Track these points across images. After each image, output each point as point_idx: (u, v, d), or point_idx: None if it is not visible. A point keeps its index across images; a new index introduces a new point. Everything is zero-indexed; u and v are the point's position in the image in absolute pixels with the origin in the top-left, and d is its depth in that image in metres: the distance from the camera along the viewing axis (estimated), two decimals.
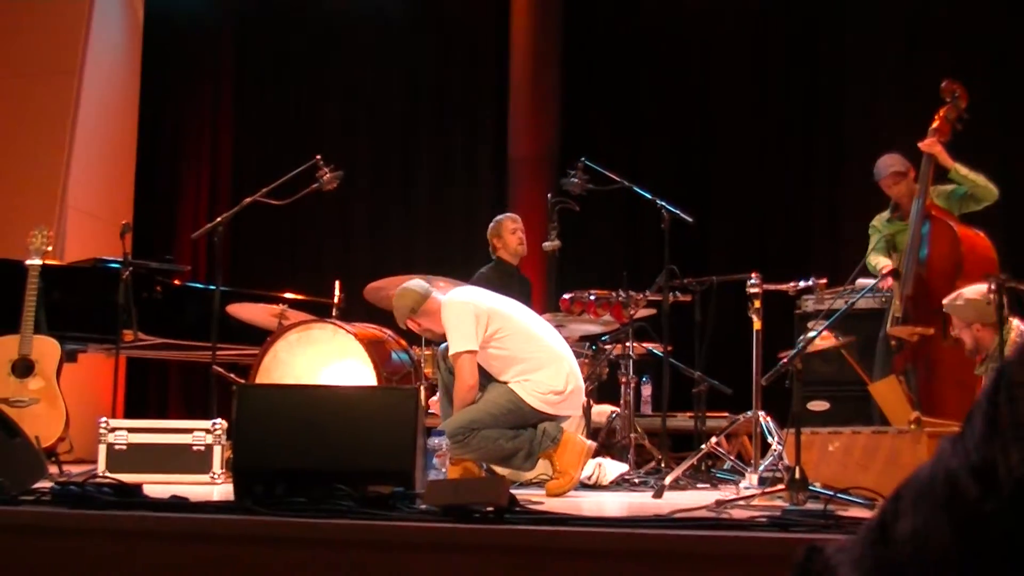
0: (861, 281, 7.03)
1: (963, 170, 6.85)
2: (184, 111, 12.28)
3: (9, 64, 11.04)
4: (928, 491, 1.10)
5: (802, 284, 6.68)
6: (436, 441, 5.92)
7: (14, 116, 10.99)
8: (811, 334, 5.82)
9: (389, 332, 7.29)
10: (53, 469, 6.42)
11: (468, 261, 8.47)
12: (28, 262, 7.21)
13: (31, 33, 11.10)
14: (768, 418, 6.45)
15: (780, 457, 5.97)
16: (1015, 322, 5.72)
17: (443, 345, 6.10)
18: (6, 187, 10.78)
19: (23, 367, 6.97)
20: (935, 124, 6.85)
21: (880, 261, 7.01)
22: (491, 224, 8.06)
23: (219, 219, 7.53)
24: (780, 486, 4.79)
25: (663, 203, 6.97)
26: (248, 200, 7.53)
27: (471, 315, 5.89)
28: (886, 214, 7.25)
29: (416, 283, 6.30)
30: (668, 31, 11.13)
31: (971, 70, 8.52)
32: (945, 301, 6.01)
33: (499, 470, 5.92)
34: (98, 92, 11.31)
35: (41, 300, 7.16)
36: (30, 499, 4.12)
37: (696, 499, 4.99)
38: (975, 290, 5.80)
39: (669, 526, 3.66)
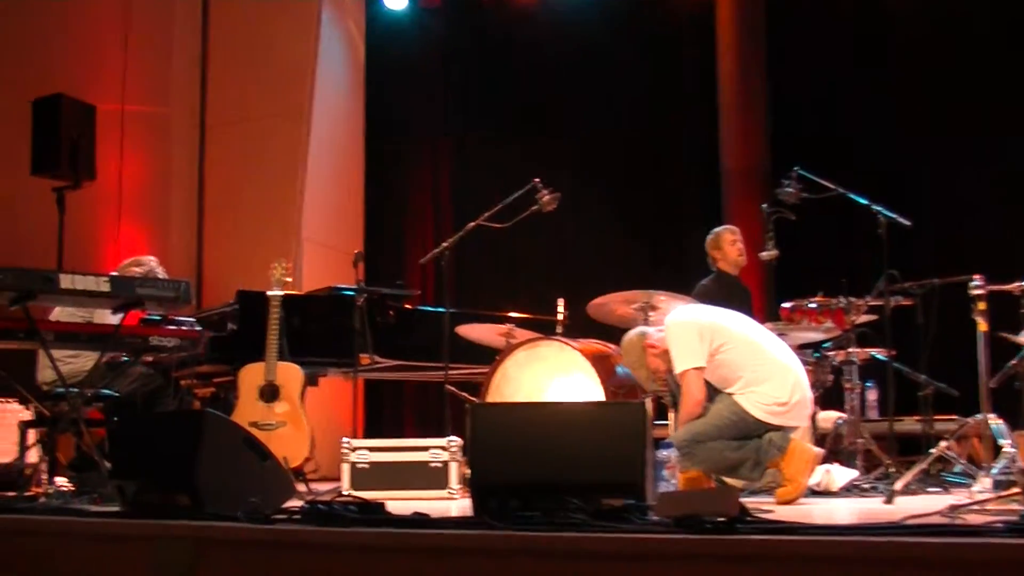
0: None
1: None
2: (407, 141, 12.54)
3: (243, 109, 11.46)
4: None
5: None
6: (665, 453, 5.90)
7: (251, 158, 11.41)
8: None
9: (613, 347, 7.28)
10: (301, 488, 6.62)
11: (685, 274, 8.42)
12: (270, 293, 7.47)
13: (261, 79, 11.51)
14: (999, 420, 6.23)
15: (1013, 460, 5.75)
16: None
17: None
18: (248, 224, 11.19)
19: (269, 392, 7.22)
20: None
21: None
22: (709, 237, 8.05)
23: (445, 244, 7.66)
24: (1015, 489, 4.62)
25: (879, 208, 6.82)
26: (472, 225, 7.65)
27: (695, 332, 5.86)
28: None
29: (629, 335, 6.29)
30: (873, 32, 10.88)
31: None
32: None
33: (728, 480, 5.86)
34: (326, 131, 11.64)
35: (283, 328, 7.40)
36: (282, 518, 4.25)
37: (928, 504, 4.86)
38: None
39: (902, 533, 3.56)
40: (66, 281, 6.05)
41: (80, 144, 8.86)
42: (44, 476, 6.67)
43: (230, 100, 11.61)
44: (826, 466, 6.15)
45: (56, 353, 6.35)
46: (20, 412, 7.47)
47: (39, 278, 6.02)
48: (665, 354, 6.01)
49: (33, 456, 6.92)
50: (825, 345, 7.43)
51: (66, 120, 8.83)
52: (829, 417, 7.33)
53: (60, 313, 7.08)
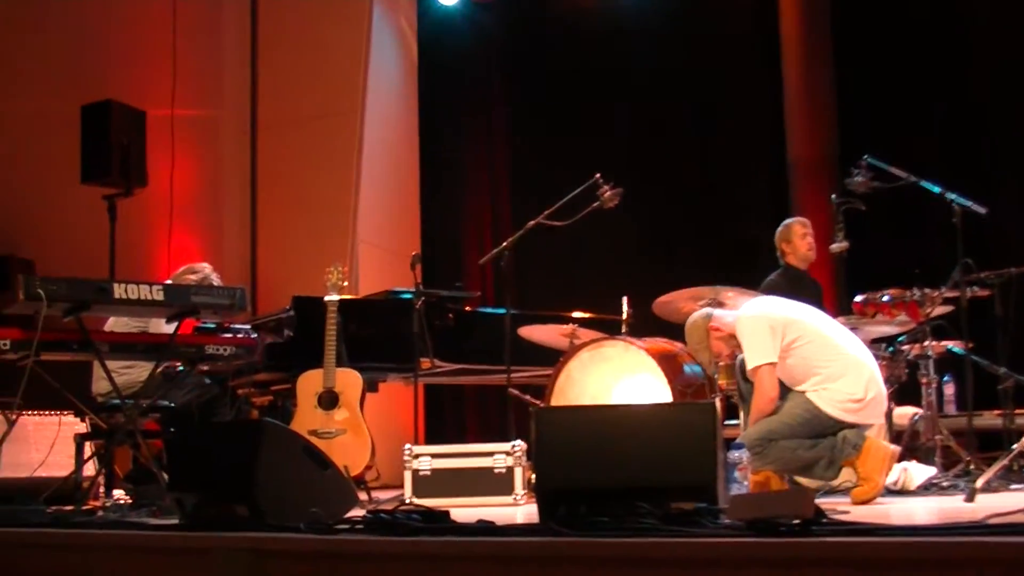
0: None
1: None
2: (462, 140, 12.57)
3: (294, 111, 11.53)
4: None
5: None
6: (736, 454, 5.87)
7: (303, 160, 11.46)
8: None
9: (680, 346, 7.25)
10: (362, 497, 6.64)
11: (753, 268, 8.36)
12: (327, 298, 7.49)
13: (312, 80, 11.56)
14: None
15: None
16: None
17: (740, 357, 6.05)
18: (302, 227, 11.25)
19: (328, 399, 7.24)
20: None
21: None
22: (779, 229, 7.99)
23: (505, 244, 7.67)
24: None
25: (953, 196, 6.74)
26: (532, 223, 7.64)
27: (766, 327, 5.84)
28: None
29: (695, 315, 6.31)
30: (940, 15, 10.75)
31: None
32: None
33: (801, 480, 5.82)
34: (379, 131, 11.68)
35: (341, 333, 7.41)
36: (344, 528, 4.26)
37: (1011, 502, 4.79)
38: None
39: (985, 532, 3.52)
40: (120, 290, 6.11)
41: (130, 150, 8.90)
42: (101, 489, 6.74)
43: (281, 102, 11.68)
44: (903, 464, 6.08)
45: (110, 364, 6.41)
46: (75, 425, 7.54)
47: (93, 288, 6.08)
48: (729, 338, 6.07)
49: (90, 469, 7.00)
50: (899, 339, 7.36)
51: (116, 126, 8.87)
52: (905, 413, 7.26)
53: (115, 323, 7.15)
